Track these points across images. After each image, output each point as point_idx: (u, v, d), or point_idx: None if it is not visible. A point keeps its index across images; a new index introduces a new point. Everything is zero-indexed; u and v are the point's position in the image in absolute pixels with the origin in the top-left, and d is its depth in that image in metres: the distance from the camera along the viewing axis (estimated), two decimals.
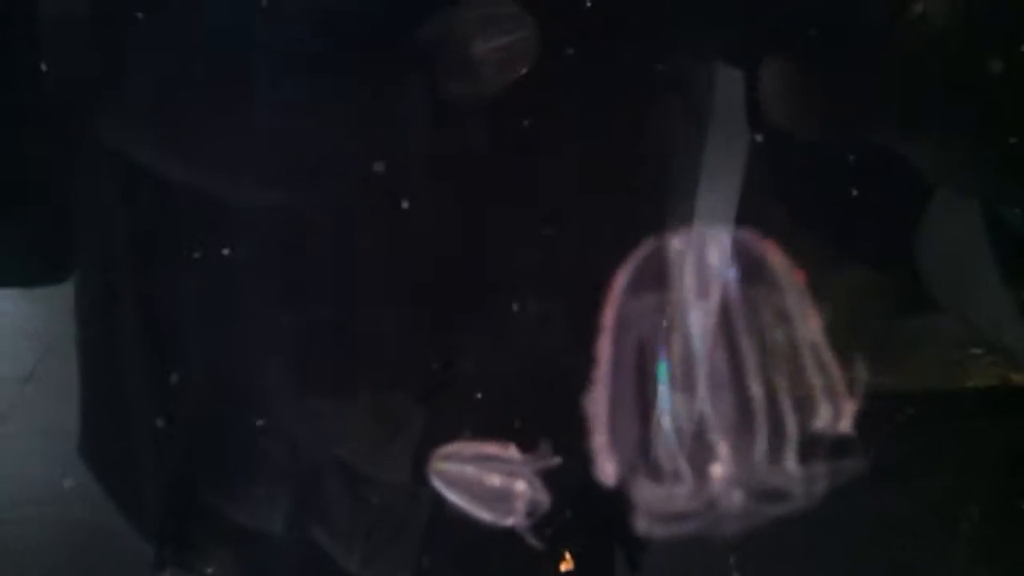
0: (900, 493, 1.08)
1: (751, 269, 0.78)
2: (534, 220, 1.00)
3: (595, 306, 1.01)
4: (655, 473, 0.80)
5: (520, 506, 0.93)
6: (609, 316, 0.82)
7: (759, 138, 0.92)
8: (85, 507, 1.21)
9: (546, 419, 0.98)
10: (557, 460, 0.92)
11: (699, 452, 0.79)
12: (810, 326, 0.78)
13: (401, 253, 1.01)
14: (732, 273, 0.78)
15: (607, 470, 0.81)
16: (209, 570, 1.16)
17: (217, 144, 0.95)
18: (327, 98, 0.93)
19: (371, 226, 1.00)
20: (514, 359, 1.04)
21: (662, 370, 0.79)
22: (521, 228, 1.00)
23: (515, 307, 1.02)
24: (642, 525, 0.82)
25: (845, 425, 0.79)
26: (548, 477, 0.92)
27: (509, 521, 0.93)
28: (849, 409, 0.79)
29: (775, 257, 0.79)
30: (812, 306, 0.79)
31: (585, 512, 0.98)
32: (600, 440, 0.81)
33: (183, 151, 0.96)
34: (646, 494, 0.81)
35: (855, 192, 0.89)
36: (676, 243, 0.80)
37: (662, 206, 1.02)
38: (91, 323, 1.13)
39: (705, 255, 0.78)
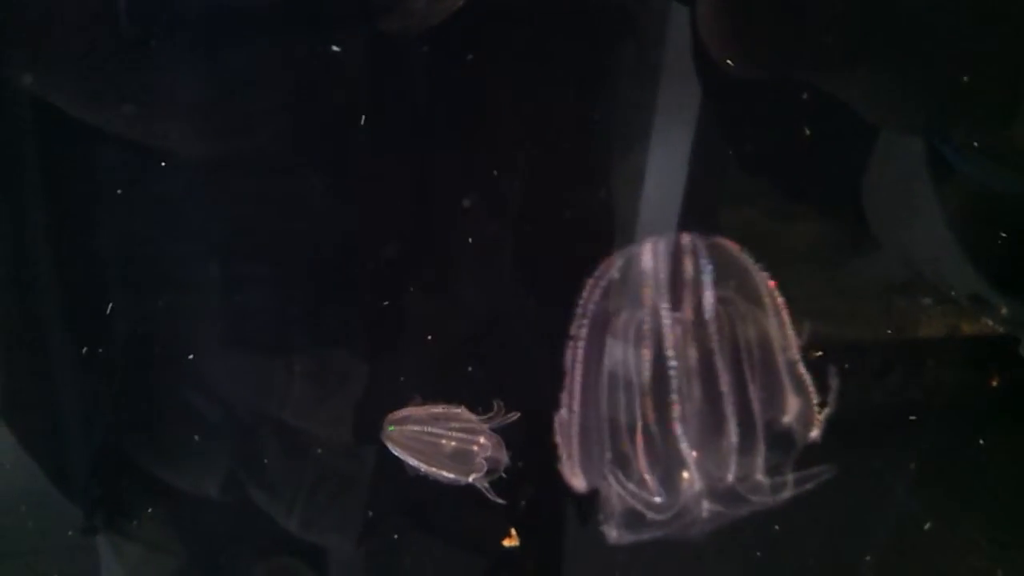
0: (852, 443, 1.06)
1: (723, 275, 0.78)
2: (480, 164, 0.96)
3: (544, 258, 0.99)
4: (625, 485, 0.80)
5: (480, 463, 0.92)
6: (579, 327, 0.80)
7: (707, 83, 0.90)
8: (15, 471, 1.16)
9: (494, 377, 0.98)
10: (515, 415, 0.91)
11: (669, 464, 0.78)
12: (781, 331, 0.79)
13: (340, 202, 0.97)
14: (705, 281, 0.77)
15: (577, 483, 0.81)
16: (143, 535, 1.12)
17: (148, 95, 0.91)
18: (264, 41, 0.89)
19: (307, 175, 0.95)
20: (458, 315, 1.00)
21: (633, 381, 0.78)
22: (466, 172, 0.96)
23: (460, 259, 0.99)
24: (611, 533, 0.82)
25: (815, 433, 0.79)
26: (505, 434, 0.92)
27: (470, 479, 0.93)
28: (818, 415, 0.79)
29: (745, 262, 0.79)
30: (782, 309, 0.79)
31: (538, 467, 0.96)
32: (569, 453, 0.81)
33: (112, 103, 0.91)
34: (615, 505, 0.81)
35: (804, 137, 0.88)
36: (647, 252, 0.79)
37: (611, 153, 1.00)
38: (8, 281, 1.07)
39: (678, 263, 0.77)
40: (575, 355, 0.79)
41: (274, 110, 0.93)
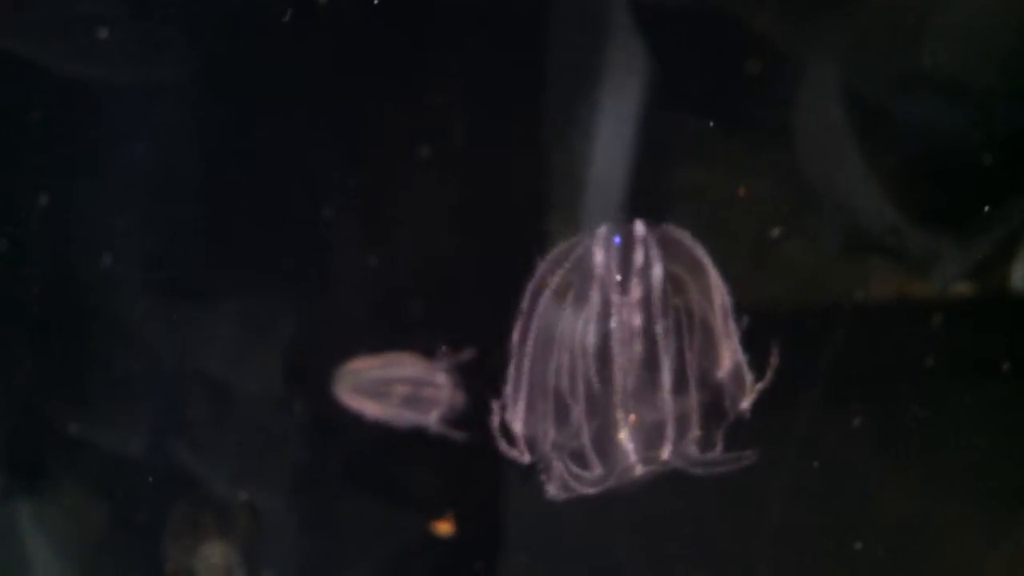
0: (795, 405, 1.04)
1: (670, 258, 0.80)
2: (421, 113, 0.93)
3: (484, 206, 0.96)
4: (567, 454, 0.82)
5: (441, 404, 0.93)
6: (528, 304, 0.81)
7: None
8: None
9: (431, 327, 0.95)
10: (468, 353, 0.90)
11: (609, 434, 0.80)
12: (718, 303, 0.81)
13: (271, 144, 0.93)
14: (655, 269, 0.79)
15: (521, 453, 0.83)
16: (65, 498, 1.07)
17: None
18: None
19: (234, 111, 0.92)
20: (391, 261, 0.97)
21: (577, 345, 0.80)
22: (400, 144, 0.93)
23: (393, 208, 0.95)
24: (551, 490, 0.84)
25: (746, 403, 0.81)
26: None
27: (429, 421, 0.93)
28: (751, 386, 0.81)
29: (691, 247, 0.81)
30: (719, 285, 0.81)
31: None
32: (515, 425, 0.82)
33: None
34: (557, 471, 0.83)
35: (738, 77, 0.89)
36: (598, 242, 0.80)
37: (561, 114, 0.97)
38: None
39: (627, 248, 0.79)
40: (523, 325, 0.81)
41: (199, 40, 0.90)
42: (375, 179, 0.96)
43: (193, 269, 0.98)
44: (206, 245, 0.97)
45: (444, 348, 0.92)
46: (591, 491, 0.81)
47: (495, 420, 0.82)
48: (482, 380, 0.85)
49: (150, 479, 1.02)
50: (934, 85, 0.87)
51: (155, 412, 1.02)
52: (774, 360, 0.80)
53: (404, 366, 0.93)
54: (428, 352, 0.93)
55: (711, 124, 0.94)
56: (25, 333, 1.00)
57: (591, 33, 0.95)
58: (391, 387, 0.93)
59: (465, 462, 0.98)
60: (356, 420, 0.97)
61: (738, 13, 0.85)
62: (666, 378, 0.78)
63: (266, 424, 1.01)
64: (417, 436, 0.95)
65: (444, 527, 0.99)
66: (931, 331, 1.00)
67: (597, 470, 0.81)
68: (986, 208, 0.93)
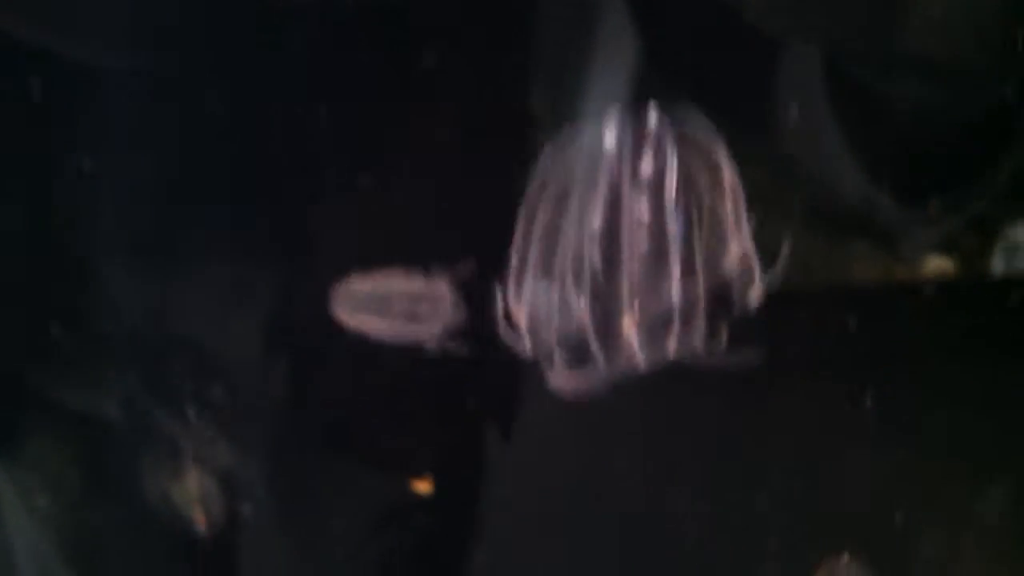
0: (777, 389, 1.04)
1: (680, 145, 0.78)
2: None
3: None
4: (570, 357, 0.80)
5: (441, 319, 0.91)
6: (533, 189, 0.79)
7: None
8: None
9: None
10: (473, 267, 0.88)
11: (613, 325, 0.78)
12: (730, 194, 0.79)
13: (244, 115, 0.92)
14: (662, 149, 0.77)
15: (524, 342, 0.81)
16: (40, 463, 1.06)
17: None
18: None
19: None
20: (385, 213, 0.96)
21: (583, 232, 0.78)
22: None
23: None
24: (554, 380, 0.81)
25: (756, 296, 0.79)
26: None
27: (429, 336, 0.91)
28: (760, 278, 0.79)
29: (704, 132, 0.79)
30: (733, 175, 0.79)
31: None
32: (518, 312, 0.80)
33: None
34: (559, 363, 0.81)
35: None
36: (608, 125, 0.78)
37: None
38: None
39: (637, 132, 0.77)
40: (528, 209, 0.79)
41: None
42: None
43: (170, 232, 0.97)
44: (184, 212, 0.96)
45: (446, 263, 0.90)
46: (594, 385, 0.79)
47: (498, 306, 0.80)
48: (482, 291, 0.83)
49: (125, 443, 1.02)
50: (912, 64, 0.88)
51: (131, 375, 1.01)
52: (784, 253, 0.79)
53: (402, 281, 0.91)
54: (426, 269, 0.91)
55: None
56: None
57: (581, 15, 0.95)
58: (390, 303, 0.91)
59: (445, 423, 0.98)
60: (337, 380, 0.98)
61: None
62: (674, 268, 0.76)
63: (244, 386, 1.01)
64: (399, 395, 0.97)
65: (423, 486, 0.99)
66: (916, 313, 1.01)
67: (600, 363, 0.78)
68: (957, 183, 0.94)
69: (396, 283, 0.91)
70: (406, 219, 0.95)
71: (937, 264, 1.08)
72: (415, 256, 0.91)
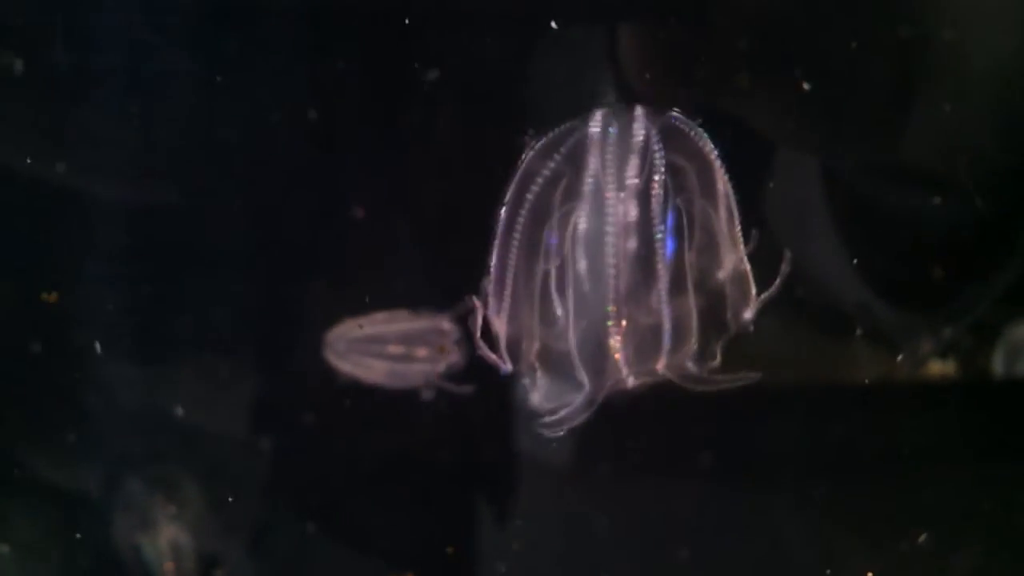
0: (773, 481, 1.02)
1: (669, 148, 0.74)
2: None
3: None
4: (552, 374, 0.76)
5: (448, 351, 0.88)
6: (515, 194, 0.75)
7: None
8: None
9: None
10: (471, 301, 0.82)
11: (599, 342, 0.73)
12: (723, 202, 0.75)
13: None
14: (650, 152, 0.73)
15: (503, 360, 0.76)
16: (26, 538, 1.05)
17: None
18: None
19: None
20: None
21: (567, 238, 0.74)
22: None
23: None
24: (535, 399, 0.76)
25: (750, 312, 0.75)
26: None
27: (437, 368, 0.87)
28: (754, 295, 0.75)
29: (696, 137, 0.75)
30: (726, 183, 0.75)
31: None
32: (498, 327, 0.75)
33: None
34: (540, 395, 0.77)
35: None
36: (592, 125, 0.74)
37: None
38: None
39: (625, 134, 0.74)
40: (510, 214, 0.74)
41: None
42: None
43: (158, 328, 0.98)
44: (171, 310, 0.98)
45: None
46: (579, 407, 0.73)
47: (476, 321, 0.75)
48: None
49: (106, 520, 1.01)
50: (911, 175, 0.90)
51: (114, 452, 1.01)
52: (784, 269, 0.76)
53: (401, 322, 0.88)
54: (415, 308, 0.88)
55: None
56: None
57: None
58: (386, 346, 0.88)
59: (432, 510, 0.96)
60: (320, 461, 0.97)
61: (730, 109, 0.86)
62: (663, 278, 0.70)
63: (230, 464, 1.00)
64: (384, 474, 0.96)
65: None
66: (917, 413, 1.00)
67: (585, 383, 0.72)
68: (955, 290, 0.94)
69: (393, 324, 0.88)
70: (401, 259, 0.92)
71: (938, 367, 1.06)
72: (409, 296, 0.89)
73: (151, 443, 1.00)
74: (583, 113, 0.75)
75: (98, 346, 0.97)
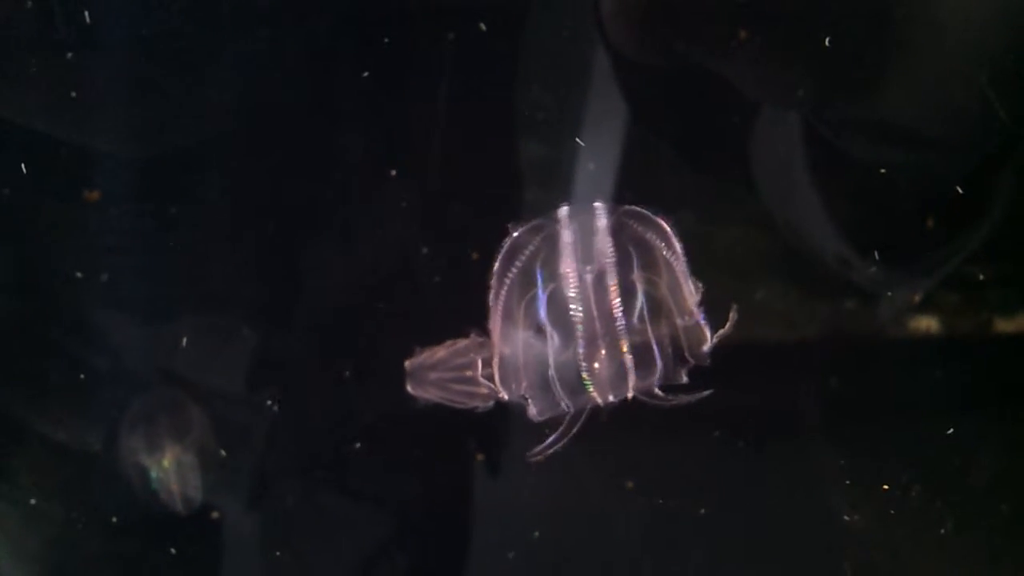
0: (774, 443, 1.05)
1: (632, 242, 0.82)
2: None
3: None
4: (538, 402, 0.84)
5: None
6: (499, 275, 0.83)
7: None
8: None
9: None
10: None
11: (579, 389, 0.82)
12: (681, 283, 0.83)
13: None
14: (606, 247, 0.82)
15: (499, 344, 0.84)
16: (23, 499, 1.05)
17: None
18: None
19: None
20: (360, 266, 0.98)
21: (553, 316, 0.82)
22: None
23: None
24: (531, 410, 0.84)
25: (706, 347, 0.82)
26: None
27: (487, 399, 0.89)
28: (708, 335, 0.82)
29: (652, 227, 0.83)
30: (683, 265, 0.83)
31: None
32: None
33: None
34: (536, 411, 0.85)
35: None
36: (564, 225, 0.82)
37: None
38: None
39: (589, 227, 0.82)
40: (495, 304, 0.83)
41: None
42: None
43: (158, 282, 0.99)
44: (169, 262, 0.98)
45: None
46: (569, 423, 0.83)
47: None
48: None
49: (108, 478, 1.01)
50: (890, 131, 0.90)
51: (116, 409, 1.01)
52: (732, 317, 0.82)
53: (468, 350, 0.89)
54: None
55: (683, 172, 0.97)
56: None
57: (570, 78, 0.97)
58: (461, 373, 0.90)
59: (435, 462, 0.98)
60: (324, 418, 0.98)
61: (711, 68, 0.88)
62: (626, 334, 0.81)
63: (229, 421, 1.01)
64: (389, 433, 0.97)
65: None
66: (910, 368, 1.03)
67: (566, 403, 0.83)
68: (932, 244, 0.96)
69: (462, 354, 0.90)
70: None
71: (921, 322, 1.09)
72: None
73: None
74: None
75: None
